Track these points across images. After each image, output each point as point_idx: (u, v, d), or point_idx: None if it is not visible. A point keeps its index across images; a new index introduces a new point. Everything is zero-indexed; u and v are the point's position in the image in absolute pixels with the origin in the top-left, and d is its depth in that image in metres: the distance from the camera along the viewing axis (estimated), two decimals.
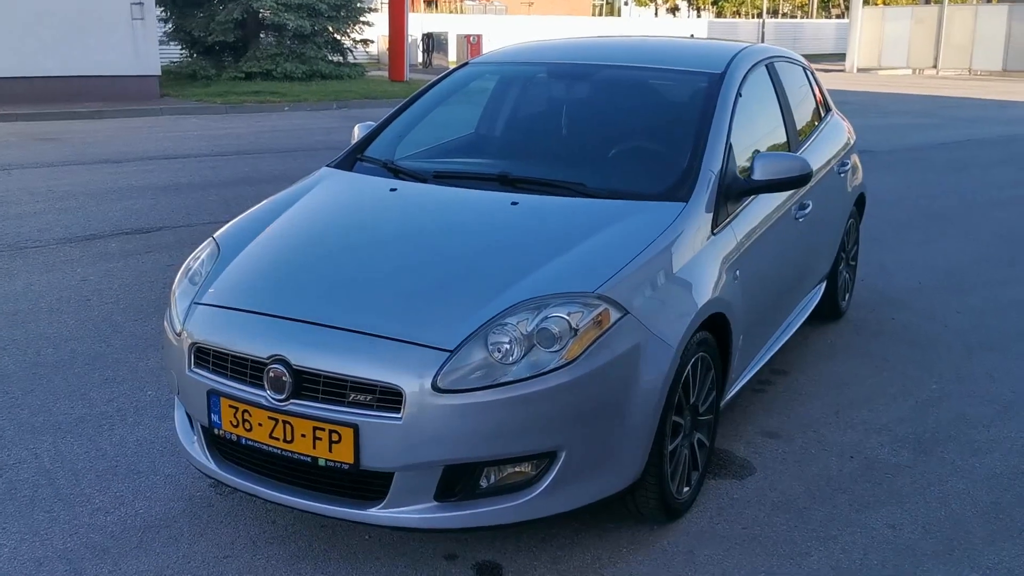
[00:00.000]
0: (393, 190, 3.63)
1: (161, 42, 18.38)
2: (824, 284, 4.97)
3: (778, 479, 3.50)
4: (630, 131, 3.93)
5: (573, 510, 2.80)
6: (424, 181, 3.69)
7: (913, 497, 3.39)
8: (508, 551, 2.98)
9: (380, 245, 3.26)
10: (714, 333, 3.23)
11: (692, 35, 24.77)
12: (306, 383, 2.69)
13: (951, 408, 4.18)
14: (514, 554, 2.96)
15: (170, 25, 20.86)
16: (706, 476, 3.40)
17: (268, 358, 2.73)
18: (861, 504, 3.33)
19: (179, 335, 3.01)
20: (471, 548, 2.99)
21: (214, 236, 3.44)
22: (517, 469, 2.71)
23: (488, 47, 26.96)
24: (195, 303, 3.06)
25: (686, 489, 3.19)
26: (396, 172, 3.79)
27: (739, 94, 3.84)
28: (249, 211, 3.65)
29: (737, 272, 3.39)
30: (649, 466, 2.91)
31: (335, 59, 22.50)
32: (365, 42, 23.69)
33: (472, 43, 27.42)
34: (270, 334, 2.81)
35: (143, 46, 16.94)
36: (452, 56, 29.22)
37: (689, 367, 3.03)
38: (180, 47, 21.48)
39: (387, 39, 23.48)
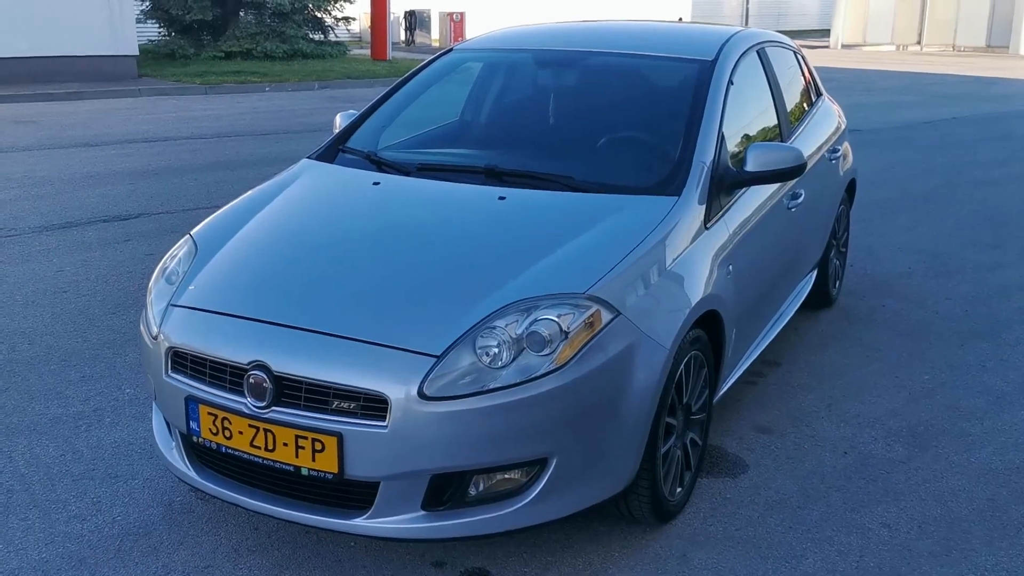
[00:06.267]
0: (376, 184, 3.52)
1: (138, 21, 18.02)
2: (815, 272, 4.91)
3: (771, 477, 3.44)
4: (619, 121, 3.82)
5: (564, 517, 2.73)
6: (407, 174, 3.58)
7: (908, 494, 3.33)
8: (497, 557, 2.90)
9: (363, 244, 3.15)
10: (707, 329, 3.16)
11: (680, 19, 24.59)
12: (288, 390, 2.59)
13: (944, 400, 4.13)
14: (504, 560, 2.89)
15: (147, 3, 20.46)
16: (699, 475, 3.33)
17: (248, 364, 2.63)
18: (856, 502, 3.28)
19: (155, 338, 2.91)
20: (460, 554, 2.91)
21: (191, 233, 3.32)
22: (507, 476, 2.63)
23: (471, 25, 26.68)
24: (172, 305, 2.95)
25: (679, 490, 3.12)
26: (379, 164, 3.68)
27: (731, 82, 3.75)
28: (227, 206, 3.54)
29: (730, 267, 3.31)
30: (642, 470, 2.84)
31: (316, 37, 22.16)
32: (347, 19, 23.34)
33: (455, 21, 27.11)
34: (250, 339, 2.71)
35: (119, 25, 16.58)
36: (435, 34, 28.88)
37: (682, 367, 2.95)
38: (158, 25, 21.09)
39: (369, 16, 23.11)
